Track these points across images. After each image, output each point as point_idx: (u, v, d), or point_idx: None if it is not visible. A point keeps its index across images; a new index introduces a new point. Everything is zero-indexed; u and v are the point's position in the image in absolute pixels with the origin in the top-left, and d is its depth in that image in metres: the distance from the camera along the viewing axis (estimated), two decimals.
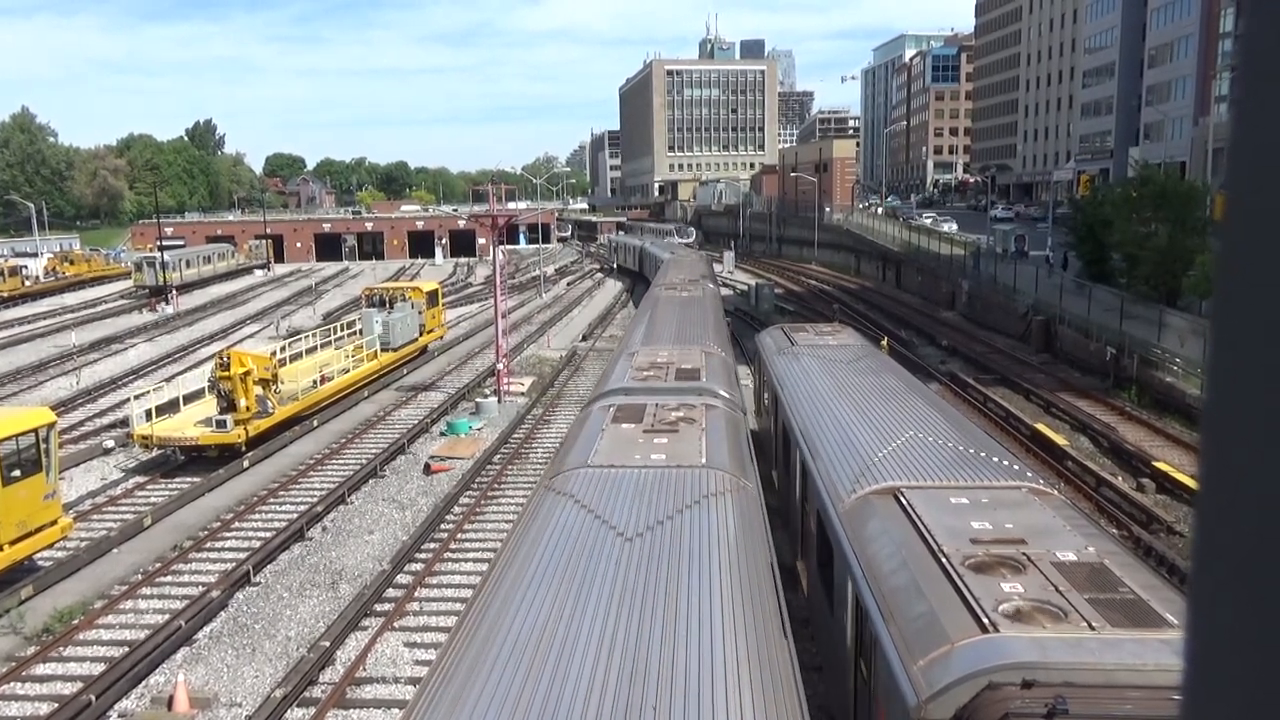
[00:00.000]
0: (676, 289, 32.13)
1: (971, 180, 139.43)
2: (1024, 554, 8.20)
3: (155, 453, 25.31)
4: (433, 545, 19.02)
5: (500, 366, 32.01)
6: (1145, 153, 71.51)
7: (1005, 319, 42.83)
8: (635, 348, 19.55)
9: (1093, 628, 6.80)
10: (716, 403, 14.11)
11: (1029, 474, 11.08)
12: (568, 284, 74.79)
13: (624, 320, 50.62)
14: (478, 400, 30.63)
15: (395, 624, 15.53)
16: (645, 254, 68.80)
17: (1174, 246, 34.79)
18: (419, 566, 17.95)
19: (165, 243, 75.41)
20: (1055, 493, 10.43)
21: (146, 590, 17.16)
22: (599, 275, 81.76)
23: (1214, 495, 0.61)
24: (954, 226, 75.67)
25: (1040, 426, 25.77)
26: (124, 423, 28.38)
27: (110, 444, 26.77)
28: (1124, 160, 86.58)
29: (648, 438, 11.70)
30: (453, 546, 18.91)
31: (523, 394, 32.49)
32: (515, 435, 27.34)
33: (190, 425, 25.32)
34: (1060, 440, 24.54)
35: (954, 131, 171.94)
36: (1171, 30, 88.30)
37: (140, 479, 24.10)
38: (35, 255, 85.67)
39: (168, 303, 61.27)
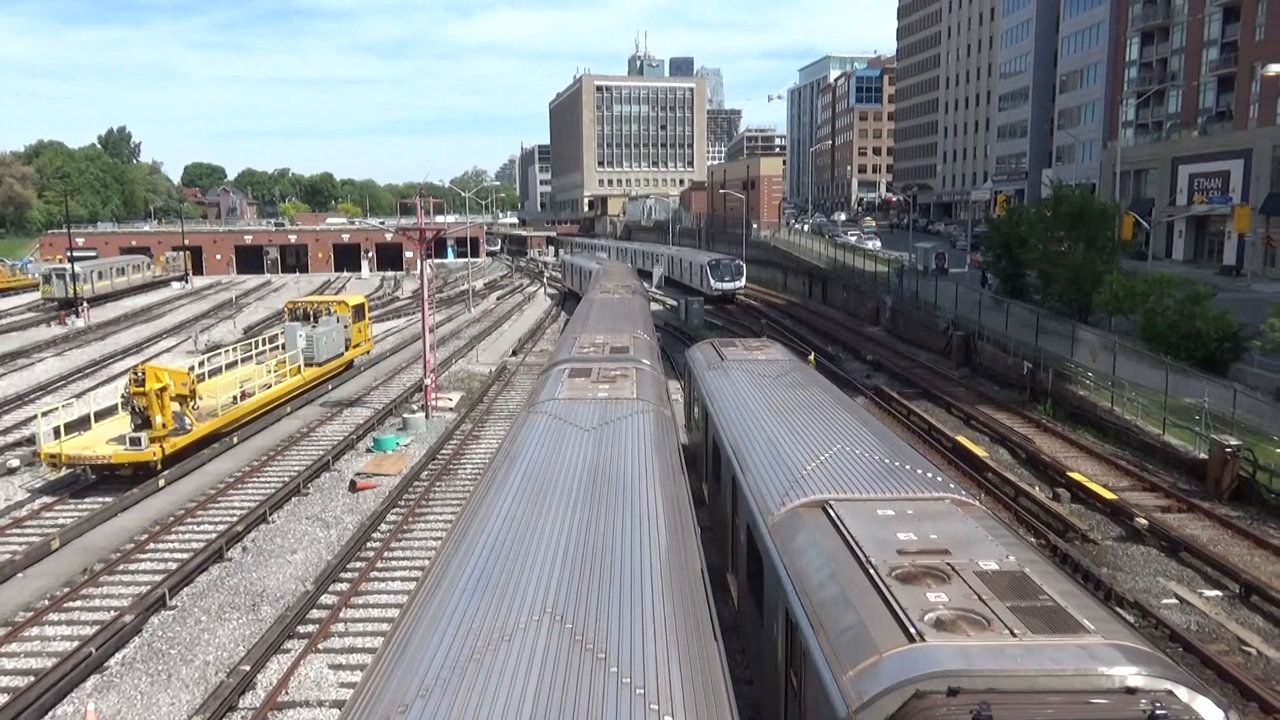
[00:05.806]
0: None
1: (894, 199, 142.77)
2: (948, 564, 8.37)
3: (64, 472, 24.34)
4: (359, 564, 18.64)
5: (428, 381, 31.61)
6: (1058, 174, 74.19)
7: (927, 334, 43.89)
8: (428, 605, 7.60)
9: (1014, 635, 6.97)
10: None
11: (951, 485, 11.32)
12: (497, 298, 74.27)
13: (554, 336, 50.38)
14: (405, 416, 30.16)
15: (319, 646, 15.14)
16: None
17: (1086, 264, 36.17)
18: (344, 586, 17.55)
19: (76, 253, 72.60)
20: (976, 503, 10.68)
21: (54, 616, 16.42)
22: (530, 289, 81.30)
23: None
24: (878, 244, 77.41)
25: (961, 439, 26.45)
26: (30, 440, 27.25)
27: (14, 463, 25.64)
28: (1038, 181, 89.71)
29: None
30: (379, 565, 18.54)
31: (451, 409, 32.12)
32: (443, 451, 26.98)
33: (102, 443, 24.41)
34: (980, 452, 25.21)
35: (877, 151, 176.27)
36: (1081, 58, 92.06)
37: (47, 499, 23.08)
38: None
39: (78, 316, 59.08)
